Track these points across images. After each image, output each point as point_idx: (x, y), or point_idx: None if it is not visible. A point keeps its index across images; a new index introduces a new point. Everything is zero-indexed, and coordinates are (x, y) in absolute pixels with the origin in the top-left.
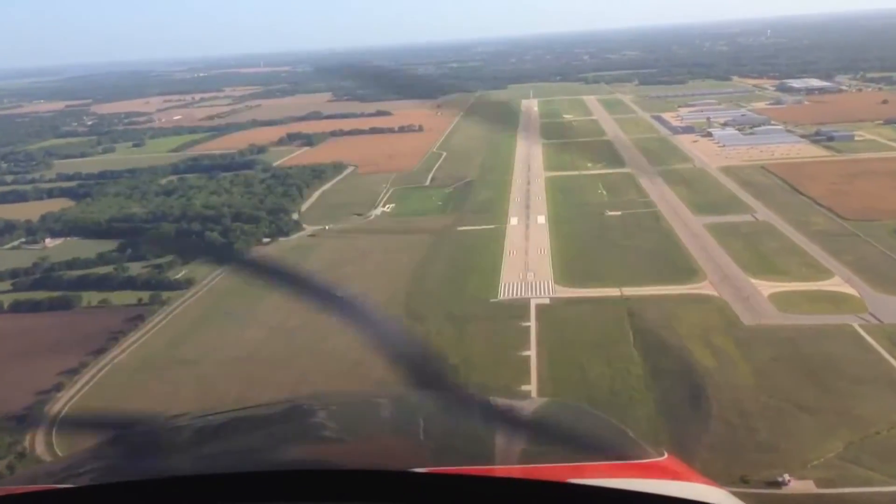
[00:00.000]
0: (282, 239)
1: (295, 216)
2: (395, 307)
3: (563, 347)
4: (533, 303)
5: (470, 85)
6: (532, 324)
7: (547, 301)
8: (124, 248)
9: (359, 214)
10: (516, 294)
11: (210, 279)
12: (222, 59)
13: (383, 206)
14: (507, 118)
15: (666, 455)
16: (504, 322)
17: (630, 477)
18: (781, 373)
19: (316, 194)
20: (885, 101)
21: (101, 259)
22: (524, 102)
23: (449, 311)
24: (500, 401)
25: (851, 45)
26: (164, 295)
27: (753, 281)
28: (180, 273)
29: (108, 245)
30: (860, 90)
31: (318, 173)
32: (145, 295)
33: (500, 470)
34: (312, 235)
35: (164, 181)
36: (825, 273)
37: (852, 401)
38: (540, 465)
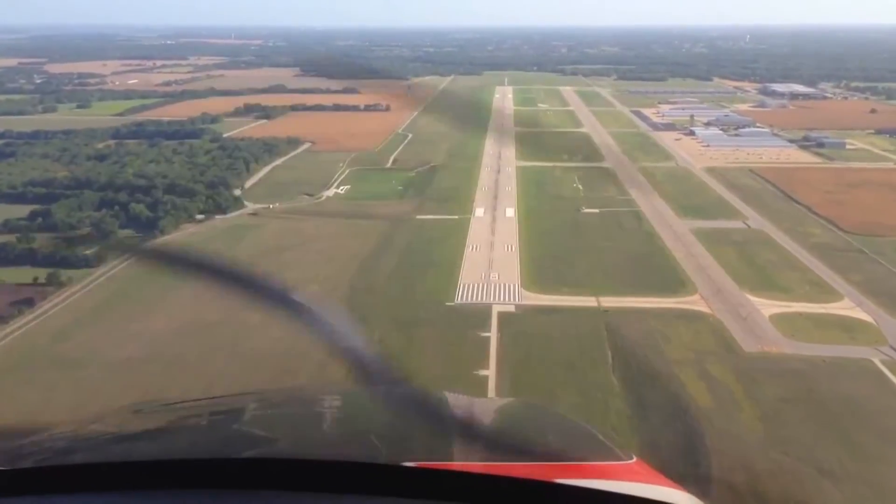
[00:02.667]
0: (218, 217)
1: (237, 192)
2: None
3: (529, 367)
4: (495, 309)
5: (444, 69)
6: (493, 335)
7: (512, 308)
8: (35, 217)
9: (308, 194)
10: (476, 297)
11: (126, 257)
12: (194, 29)
13: (337, 186)
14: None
15: (634, 458)
16: (460, 331)
17: (597, 478)
18: (794, 420)
19: (265, 170)
20: (873, 111)
21: (6, 227)
22: (499, 88)
23: (396, 313)
24: (464, 398)
25: (831, 54)
26: (66, 274)
27: (751, 298)
28: (93, 248)
29: (19, 211)
30: (846, 98)
31: (269, 147)
32: (45, 273)
33: (470, 466)
34: (253, 214)
35: (100, 145)
36: (832, 294)
37: (885, 466)
38: (508, 464)
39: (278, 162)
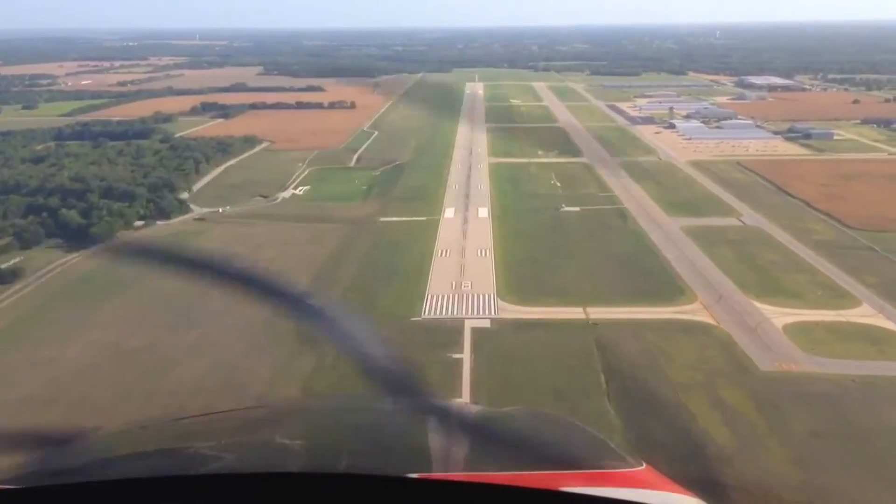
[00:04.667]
0: (160, 222)
1: (184, 195)
2: (281, 322)
3: (509, 395)
4: (468, 325)
5: (413, 67)
6: (466, 356)
7: (487, 323)
8: None
9: (263, 196)
10: (446, 311)
11: (47, 271)
12: (158, 31)
13: (295, 187)
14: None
15: (644, 465)
16: (426, 352)
17: (609, 486)
18: (833, 462)
19: (217, 171)
20: (856, 101)
21: None
22: (469, 85)
23: None
24: (473, 408)
25: (804, 48)
26: None
27: (758, 305)
28: (12, 261)
29: None
30: (825, 89)
31: (223, 147)
32: None
33: (485, 477)
34: (200, 219)
35: (39, 147)
36: (848, 298)
37: None
38: (521, 473)
39: (232, 162)
